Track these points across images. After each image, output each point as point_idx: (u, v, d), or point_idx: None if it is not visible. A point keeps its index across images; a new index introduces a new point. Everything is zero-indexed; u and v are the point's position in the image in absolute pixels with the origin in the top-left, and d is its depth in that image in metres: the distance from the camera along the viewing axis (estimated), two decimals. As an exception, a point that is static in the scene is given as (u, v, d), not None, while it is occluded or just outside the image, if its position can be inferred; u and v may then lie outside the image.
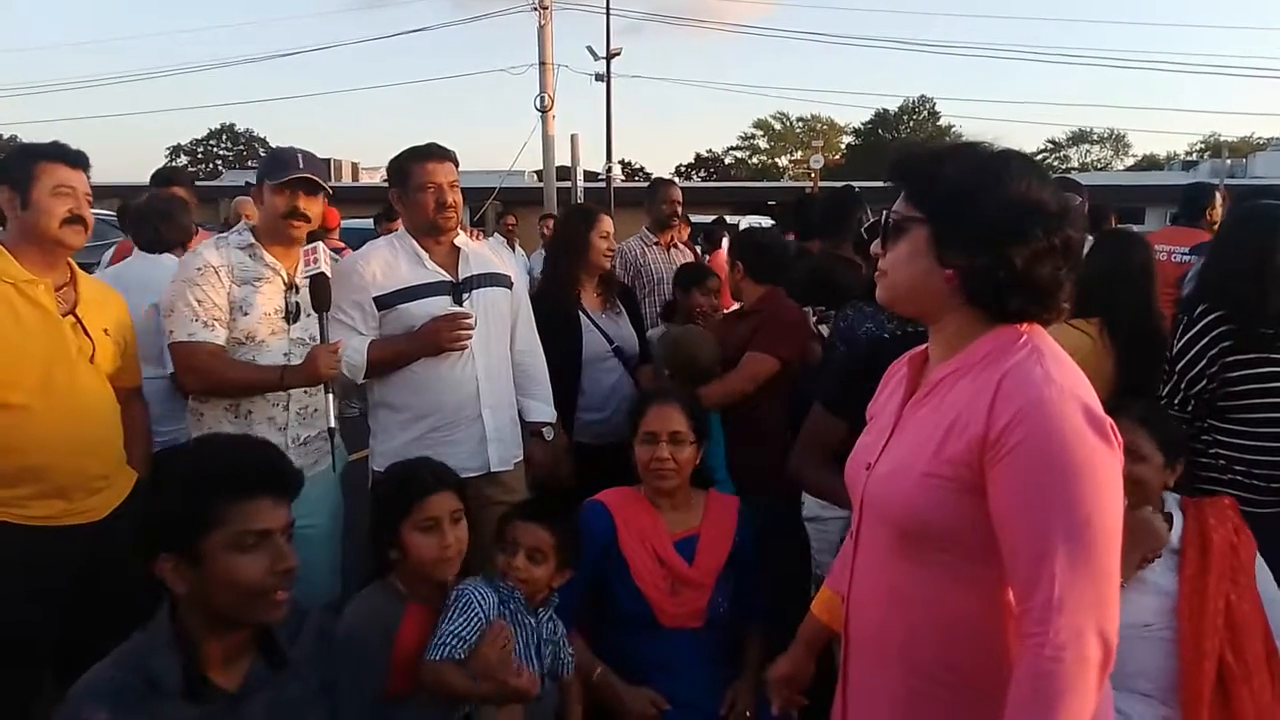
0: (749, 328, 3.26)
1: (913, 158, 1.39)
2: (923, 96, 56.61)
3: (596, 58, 18.78)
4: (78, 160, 2.40)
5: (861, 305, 2.86)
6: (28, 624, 2.25)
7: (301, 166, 2.59)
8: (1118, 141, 56.30)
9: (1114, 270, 2.76)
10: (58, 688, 2.32)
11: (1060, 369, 1.27)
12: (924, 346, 1.45)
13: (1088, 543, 1.19)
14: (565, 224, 3.74)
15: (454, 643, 1.96)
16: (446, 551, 2.04)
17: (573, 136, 15.10)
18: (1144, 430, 2.13)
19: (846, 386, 2.36)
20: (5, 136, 52.65)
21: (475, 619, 2.00)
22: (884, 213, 1.40)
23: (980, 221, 1.28)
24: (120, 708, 1.47)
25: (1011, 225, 1.27)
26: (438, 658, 1.95)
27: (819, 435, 2.37)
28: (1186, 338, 2.64)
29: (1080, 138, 54.04)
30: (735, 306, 3.68)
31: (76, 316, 2.41)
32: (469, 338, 2.69)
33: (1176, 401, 2.64)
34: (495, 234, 9.45)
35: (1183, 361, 2.63)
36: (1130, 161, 55.49)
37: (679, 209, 5.00)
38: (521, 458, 2.93)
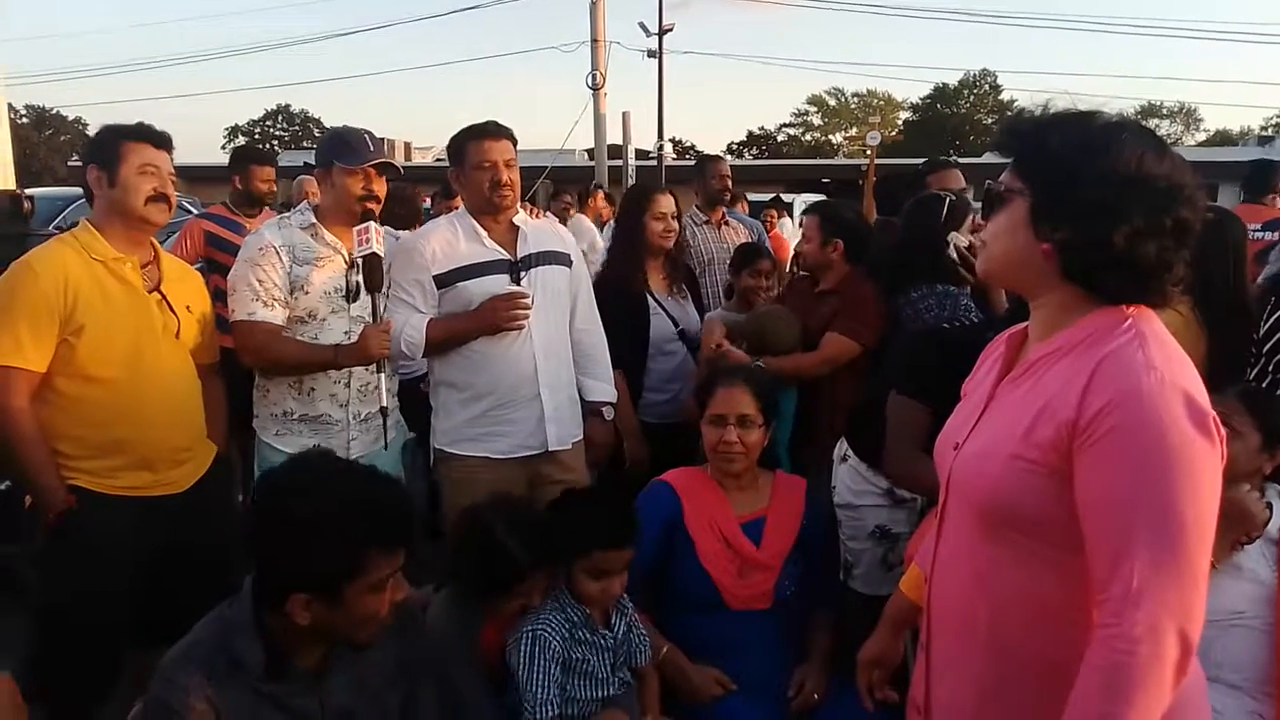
0: (832, 309, 3.23)
1: (1020, 125, 1.33)
2: (984, 70, 55.33)
3: (648, 34, 18.67)
4: (162, 141, 2.46)
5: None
6: (116, 589, 2.33)
7: (372, 148, 2.62)
8: (1189, 116, 54.51)
9: (1206, 247, 2.65)
10: (139, 653, 2.42)
11: (1165, 356, 1.21)
12: (1024, 325, 1.40)
13: (1174, 538, 1.14)
14: (623, 206, 3.72)
15: (548, 697, 1.97)
16: (530, 606, 2.05)
17: (624, 114, 15.04)
18: (1243, 407, 2.05)
19: (918, 370, 2.33)
20: (71, 118, 54.57)
21: (554, 659, 2.01)
22: (986, 182, 1.35)
23: (1080, 195, 1.22)
24: (213, 677, 1.55)
25: (1112, 201, 1.21)
26: (542, 718, 1.96)
27: (906, 426, 2.33)
28: (1275, 318, 2.52)
29: (1149, 112, 52.25)
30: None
31: (161, 293, 2.48)
32: (526, 317, 2.69)
33: (1264, 386, 2.53)
34: (549, 213, 9.42)
35: (1270, 343, 2.52)
36: (1202, 137, 53.74)
37: (729, 184, 4.92)
38: (581, 437, 2.92)
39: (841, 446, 2.85)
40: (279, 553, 1.55)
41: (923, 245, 2.89)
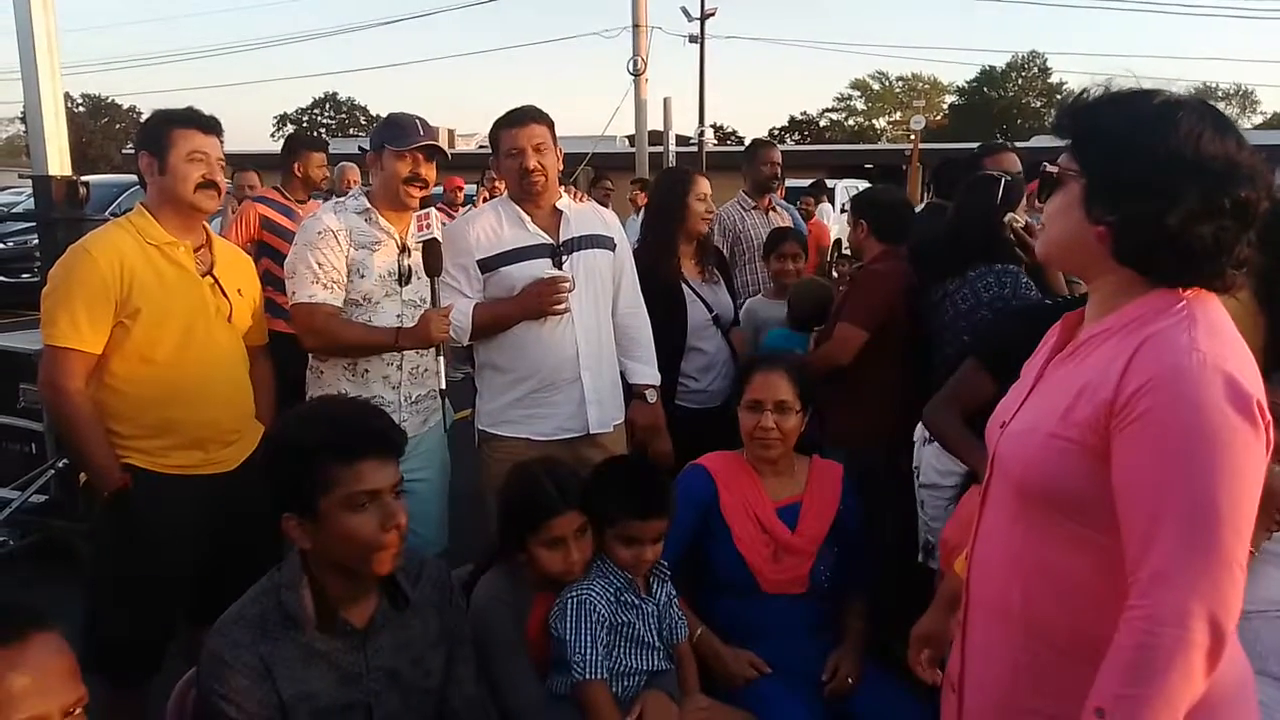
0: (848, 291, 3.31)
1: (1075, 105, 1.31)
2: (1033, 52, 54.24)
3: (690, 19, 18.59)
4: (210, 126, 2.49)
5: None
6: (167, 564, 2.40)
7: (422, 133, 2.65)
8: (1245, 98, 52.93)
9: (1266, 233, 2.58)
10: (190, 628, 2.50)
11: (1212, 339, 1.18)
12: (1083, 307, 1.39)
13: (1208, 523, 1.12)
14: (660, 189, 3.67)
15: (597, 657, 1.99)
16: (573, 567, 2.06)
17: (665, 100, 14.96)
18: None
19: (999, 344, 2.32)
20: (126, 106, 55.77)
21: (599, 623, 2.03)
22: (1043, 164, 1.35)
23: (1130, 176, 1.20)
24: (264, 635, 1.62)
25: (1165, 182, 1.18)
26: (587, 678, 1.98)
27: (964, 387, 2.37)
28: None
29: (1204, 94, 50.30)
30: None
31: (214, 277, 2.53)
32: (567, 301, 2.71)
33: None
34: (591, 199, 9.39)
35: None
36: (1258, 120, 52.20)
37: (779, 170, 4.89)
38: (622, 420, 2.94)
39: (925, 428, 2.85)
40: (266, 479, 1.67)
41: (978, 226, 2.88)
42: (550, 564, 2.05)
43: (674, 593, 2.21)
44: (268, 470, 1.68)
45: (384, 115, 2.84)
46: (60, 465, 3.79)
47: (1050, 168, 1.32)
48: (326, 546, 1.64)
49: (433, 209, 2.65)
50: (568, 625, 2.02)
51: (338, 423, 1.67)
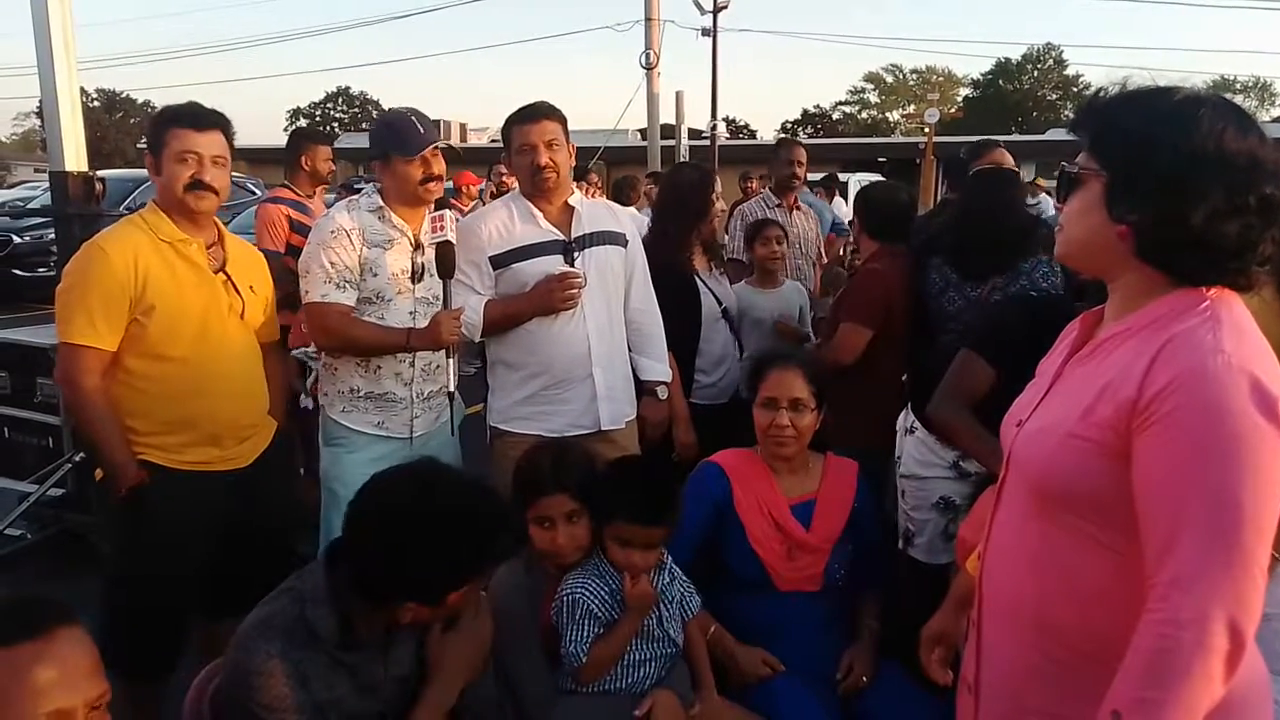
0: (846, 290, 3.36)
1: (1094, 103, 1.31)
2: (1048, 44, 53.73)
3: (703, 11, 18.48)
4: (205, 122, 2.42)
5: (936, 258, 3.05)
6: (183, 560, 2.41)
7: (423, 133, 2.63)
8: (1263, 91, 52.37)
9: None
10: (205, 623, 2.51)
11: (1236, 340, 1.17)
12: (1103, 306, 1.38)
13: (1230, 526, 1.11)
14: (685, 186, 3.61)
15: (580, 649, 2.02)
16: (559, 550, 2.08)
17: (677, 94, 14.92)
18: None
19: (1001, 335, 2.32)
20: (140, 101, 56.07)
21: (588, 621, 2.04)
22: (1061, 164, 1.34)
23: (1154, 175, 1.19)
24: (294, 644, 1.61)
25: (1189, 180, 1.17)
26: (581, 662, 2.01)
27: (965, 381, 2.38)
28: None
29: (1222, 87, 50.11)
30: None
31: (227, 274, 2.53)
32: (578, 297, 2.71)
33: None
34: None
35: None
36: (1278, 113, 51.69)
37: (798, 169, 4.83)
38: (633, 416, 2.93)
39: (908, 418, 2.86)
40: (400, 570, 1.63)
41: (1020, 219, 2.98)
42: (539, 542, 2.09)
43: (677, 572, 2.21)
44: (408, 564, 1.61)
45: (378, 119, 2.82)
46: (77, 459, 3.82)
47: (1070, 166, 1.31)
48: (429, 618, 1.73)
49: (447, 210, 2.64)
50: (562, 622, 2.04)
51: (490, 535, 1.70)
